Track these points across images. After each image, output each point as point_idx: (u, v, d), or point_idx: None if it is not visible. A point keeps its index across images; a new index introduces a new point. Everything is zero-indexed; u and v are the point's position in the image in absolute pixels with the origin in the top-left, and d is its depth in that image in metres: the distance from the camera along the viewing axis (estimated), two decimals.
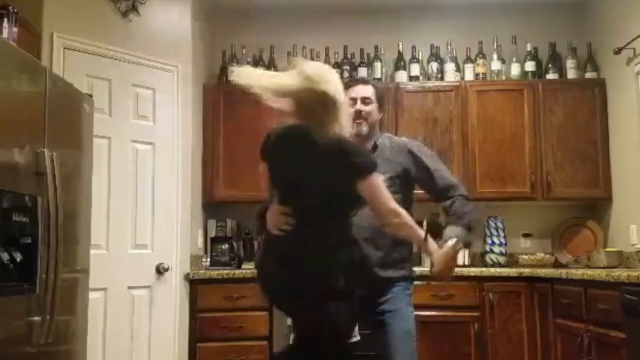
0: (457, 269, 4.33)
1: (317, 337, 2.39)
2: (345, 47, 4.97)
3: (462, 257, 4.66)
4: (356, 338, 2.58)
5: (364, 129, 2.78)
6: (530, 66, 4.85)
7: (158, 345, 4.00)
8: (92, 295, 3.25)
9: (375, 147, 2.81)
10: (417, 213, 5.04)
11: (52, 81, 2.77)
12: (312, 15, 5.08)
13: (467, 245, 4.49)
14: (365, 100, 2.80)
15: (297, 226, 2.37)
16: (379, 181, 2.38)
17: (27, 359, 2.53)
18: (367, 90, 2.82)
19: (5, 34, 2.77)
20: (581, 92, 4.70)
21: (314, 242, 2.34)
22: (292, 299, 2.38)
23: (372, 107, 2.82)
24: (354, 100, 2.77)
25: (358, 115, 2.76)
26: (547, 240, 4.87)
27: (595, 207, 4.82)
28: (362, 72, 4.86)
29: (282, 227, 2.38)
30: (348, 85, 2.74)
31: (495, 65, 4.87)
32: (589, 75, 4.78)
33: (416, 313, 4.07)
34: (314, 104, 2.28)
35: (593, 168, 4.62)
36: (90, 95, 3.29)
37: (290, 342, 2.67)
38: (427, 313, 4.14)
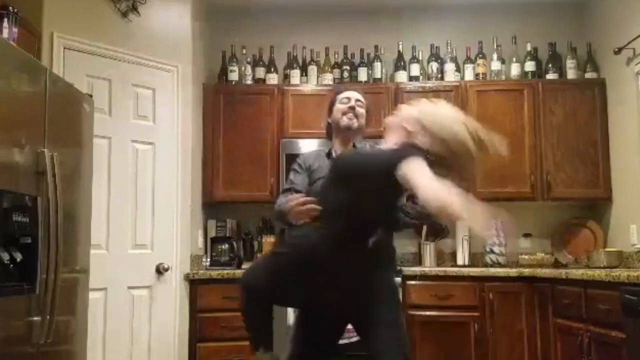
0: (457, 269, 4.37)
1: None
2: (345, 47, 4.97)
3: (462, 257, 4.68)
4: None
5: (355, 124, 2.87)
6: (530, 66, 4.85)
7: (158, 345, 4.00)
8: (92, 295, 3.25)
9: (354, 147, 2.89)
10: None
11: (52, 81, 2.77)
12: (312, 15, 5.09)
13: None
14: (358, 103, 2.91)
15: None
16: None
17: (27, 359, 2.53)
18: (361, 96, 2.95)
19: (5, 34, 2.77)
20: (581, 92, 4.70)
21: None
22: None
23: (363, 111, 2.92)
24: (348, 99, 2.90)
25: (351, 109, 2.87)
26: (547, 240, 4.86)
27: (595, 207, 4.82)
28: (362, 72, 4.87)
29: None
30: (341, 89, 2.87)
31: (495, 65, 4.87)
32: (589, 75, 4.78)
33: (416, 313, 4.11)
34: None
35: (593, 168, 4.62)
36: (90, 95, 3.29)
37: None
38: (427, 313, 4.15)
